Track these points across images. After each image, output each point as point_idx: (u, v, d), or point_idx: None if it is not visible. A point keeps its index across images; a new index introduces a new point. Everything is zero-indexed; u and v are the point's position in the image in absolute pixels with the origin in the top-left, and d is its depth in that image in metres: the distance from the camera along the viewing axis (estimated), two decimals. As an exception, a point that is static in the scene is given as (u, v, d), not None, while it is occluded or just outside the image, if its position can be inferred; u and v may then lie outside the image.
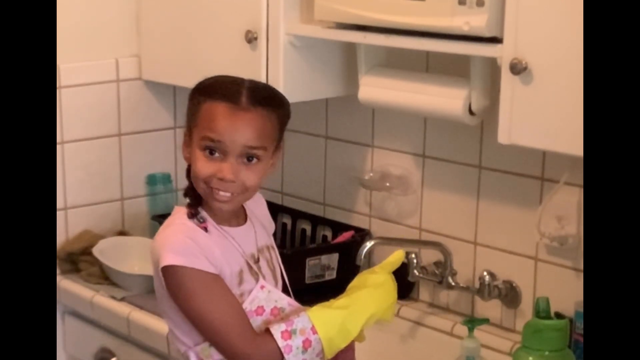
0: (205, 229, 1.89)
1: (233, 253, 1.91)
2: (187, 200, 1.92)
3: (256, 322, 1.90)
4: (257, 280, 1.92)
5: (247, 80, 1.92)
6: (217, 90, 1.89)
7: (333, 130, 2.80)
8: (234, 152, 1.85)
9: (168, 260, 1.83)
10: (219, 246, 1.88)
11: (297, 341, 1.85)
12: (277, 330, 1.85)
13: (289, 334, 1.85)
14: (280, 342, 1.84)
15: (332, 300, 1.93)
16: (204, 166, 1.86)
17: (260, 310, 1.91)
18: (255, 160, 1.87)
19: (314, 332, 1.86)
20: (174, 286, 1.84)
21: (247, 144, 1.85)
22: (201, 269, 1.83)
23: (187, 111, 1.93)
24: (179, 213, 1.92)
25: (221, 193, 1.86)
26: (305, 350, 1.85)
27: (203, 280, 1.83)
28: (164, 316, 1.97)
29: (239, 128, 1.85)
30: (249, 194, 1.91)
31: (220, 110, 1.86)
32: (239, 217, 1.97)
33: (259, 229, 2.00)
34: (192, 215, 1.90)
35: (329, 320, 1.88)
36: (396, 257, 2.03)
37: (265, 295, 1.92)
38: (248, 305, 1.90)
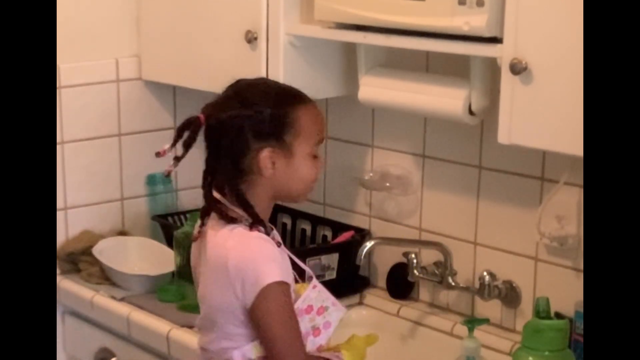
0: (278, 244, 1.92)
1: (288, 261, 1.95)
2: (247, 219, 1.89)
3: (303, 320, 1.93)
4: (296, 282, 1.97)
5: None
6: (297, 95, 1.94)
7: (333, 130, 2.80)
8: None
9: (274, 276, 1.84)
10: (284, 258, 1.93)
11: None
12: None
13: None
14: None
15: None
16: (314, 168, 1.93)
17: (309, 309, 1.95)
18: None
19: None
20: (272, 301, 1.84)
21: None
22: (292, 287, 1.90)
23: (270, 124, 1.88)
24: (244, 228, 1.89)
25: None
26: None
27: (290, 301, 1.88)
28: (212, 325, 1.95)
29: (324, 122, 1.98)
30: None
31: (317, 112, 1.94)
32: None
33: None
34: (265, 232, 1.91)
35: None
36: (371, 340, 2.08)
37: (316, 295, 1.97)
38: (300, 304, 1.94)
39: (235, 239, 1.87)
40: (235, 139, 1.88)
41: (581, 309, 2.22)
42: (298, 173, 1.91)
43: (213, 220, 1.94)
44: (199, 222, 1.99)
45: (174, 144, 1.88)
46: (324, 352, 1.96)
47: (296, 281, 1.97)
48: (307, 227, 2.83)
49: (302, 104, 1.93)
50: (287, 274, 1.89)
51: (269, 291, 1.84)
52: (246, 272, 1.85)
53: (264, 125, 1.88)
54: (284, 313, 1.86)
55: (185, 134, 1.88)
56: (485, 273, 2.41)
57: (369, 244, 2.41)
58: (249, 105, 1.89)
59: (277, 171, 1.90)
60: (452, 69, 2.36)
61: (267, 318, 1.85)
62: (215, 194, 1.94)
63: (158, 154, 1.88)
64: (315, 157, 1.93)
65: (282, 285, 1.86)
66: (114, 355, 2.68)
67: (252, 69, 2.48)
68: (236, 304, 1.87)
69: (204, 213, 1.95)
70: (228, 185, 1.91)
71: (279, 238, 1.95)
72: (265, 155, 1.89)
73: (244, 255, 1.86)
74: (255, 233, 1.88)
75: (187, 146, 1.88)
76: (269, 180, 1.91)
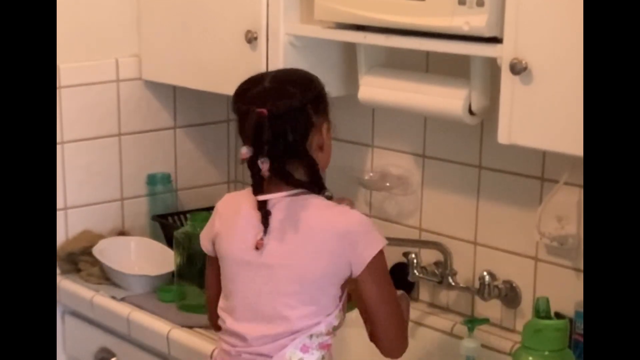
0: None
1: None
2: (330, 194, 2.04)
3: None
4: None
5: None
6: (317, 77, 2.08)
7: (333, 130, 2.79)
8: None
9: (382, 240, 1.98)
10: None
11: None
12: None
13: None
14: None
15: None
16: None
17: None
18: None
19: None
20: (383, 266, 1.99)
21: None
22: None
23: (321, 104, 2.04)
24: (332, 202, 2.03)
25: None
26: None
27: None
28: (300, 303, 1.98)
29: None
30: None
31: None
32: None
33: None
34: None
35: None
36: None
37: None
38: None
39: (336, 209, 1.99)
40: (302, 119, 1.99)
41: (581, 309, 2.22)
42: (331, 146, 2.09)
43: (279, 201, 1.99)
44: (226, 210, 2.06)
45: (254, 145, 1.96)
46: None
47: None
48: (307, 227, 2.83)
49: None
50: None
51: (380, 256, 1.96)
52: (358, 238, 1.95)
53: (321, 103, 2.04)
54: (388, 276, 2.02)
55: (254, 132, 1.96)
56: (485, 273, 2.41)
57: (369, 244, 2.41)
58: (303, 88, 2.01)
59: (327, 145, 2.07)
60: (452, 69, 2.36)
61: (382, 280, 1.99)
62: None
63: (243, 161, 1.98)
64: None
65: (382, 252, 1.98)
66: (114, 355, 2.68)
67: (252, 69, 2.47)
68: (342, 271, 1.96)
69: (266, 218, 1.99)
70: (304, 161, 2.00)
71: None
72: (325, 129, 2.05)
73: (356, 221, 1.97)
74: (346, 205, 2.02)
75: (267, 141, 1.95)
76: (322, 155, 2.06)
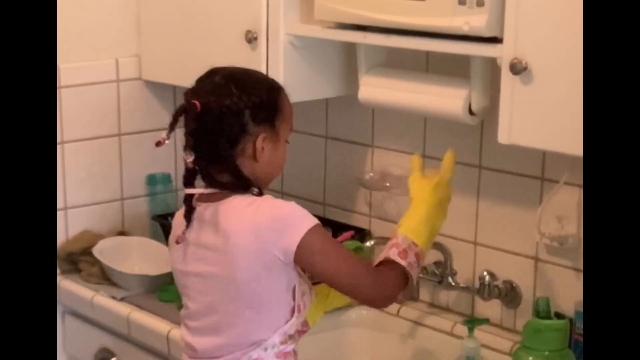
0: None
1: None
2: (255, 191, 1.95)
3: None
4: None
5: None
6: (273, 82, 2.01)
7: (333, 130, 2.80)
8: None
9: (308, 223, 1.89)
10: None
11: (411, 257, 2.02)
12: (395, 256, 2.00)
13: (404, 253, 2.01)
14: (403, 263, 2.00)
15: (411, 214, 2.09)
16: (285, 154, 2.00)
17: None
18: None
19: (416, 245, 2.03)
20: (317, 247, 1.90)
21: None
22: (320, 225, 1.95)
23: (263, 112, 1.94)
24: (252, 197, 1.94)
25: None
26: (418, 263, 2.03)
27: (330, 237, 2.01)
28: (239, 309, 1.93)
29: None
30: None
31: (289, 101, 2.02)
32: None
33: None
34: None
35: (420, 231, 2.06)
36: (448, 160, 2.16)
37: None
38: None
39: (252, 205, 1.90)
40: (236, 123, 1.92)
41: (581, 309, 2.22)
42: (278, 158, 1.98)
43: (205, 208, 1.95)
44: (176, 222, 2.01)
45: (170, 131, 1.92)
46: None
47: None
48: (307, 227, 2.83)
49: (283, 91, 2.01)
50: (314, 218, 1.93)
51: (309, 237, 1.89)
52: (276, 228, 1.88)
53: (262, 110, 1.94)
54: (331, 247, 1.94)
55: (180, 120, 1.93)
56: (485, 273, 2.41)
57: (369, 244, 2.41)
58: (247, 91, 1.93)
59: (265, 155, 1.95)
60: (452, 69, 2.36)
61: (327, 263, 1.92)
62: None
63: (158, 143, 1.92)
64: (287, 143, 2.01)
65: (316, 227, 1.91)
66: (114, 355, 2.68)
67: (252, 68, 2.48)
68: (273, 269, 1.90)
69: (189, 213, 1.95)
70: (227, 167, 1.93)
71: None
72: (261, 139, 1.94)
73: (273, 214, 1.89)
74: (267, 196, 1.95)
75: (192, 134, 1.92)
76: (257, 164, 1.95)
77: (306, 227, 1.89)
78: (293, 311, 1.93)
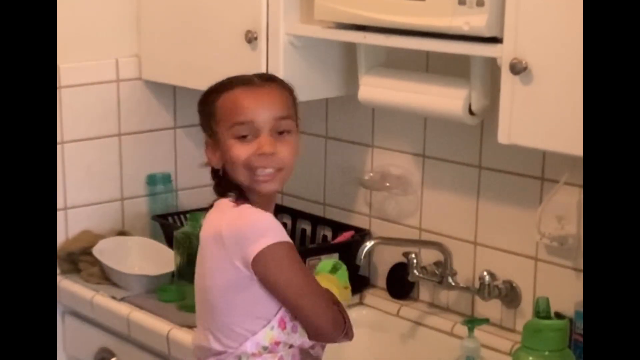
0: None
1: None
2: (232, 195, 1.92)
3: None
4: None
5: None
6: (227, 83, 1.95)
7: (333, 130, 2.80)
8: (265, 127, 1.89)
9: (272, 238, 1.82)
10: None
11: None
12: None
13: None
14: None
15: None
16: (241, 150, 1.89)
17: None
18: (286, 133, 1.92)
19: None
20: (278, 263, 1.84)
21: (275, 116, 1.90)
22: (292, 244, 1.88)
23: (201, 120, 1.97)
24: (231, 203, 1.91)
25: (266, 171, 1.89)
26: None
27: (296, 255, 1.88)
28: (214, 316, 1.91)
29: (263, 102, 1.91)
30: (286, 172, 1.93)
31: (239, 94, 1.91)
32: (272, 208, 1.98)
33: None
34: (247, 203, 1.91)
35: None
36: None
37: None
38: None
39: (227, 213, 1.89)
40: (202, 121, 1.99)
41: (581, 309, 2.22)
42: (228, 158, 1.91)
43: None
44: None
45: None
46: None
47: None
48: (307, 227, 2.83)
49: (227, 90, 1.94)
50: (285, 236, 1.87)
51: (270, 250, 1.83)
52: (241, 240, 1.84)
53: (202, 120, 1.97)
54: (300, 270, 1.88)
55: None
56: (485, 273, 2.41)
57: (369, 244, 2.41)
58: (207, 93, 1.98)
59: (216, 161, 1.94)
60: (452, 69, 2.36)
61: (287, 281, 1.86)
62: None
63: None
64: (243, 137, 1.90)
65: (283, 244, 1.85)
66: (114, 355, 2.68)
67: (252, 69, 2.47)
68: (238, 279, 1.86)
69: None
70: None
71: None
72: (206, 148, 1.96)
73: (236, 223, 1.86)
74: (246, 206, 1.89)
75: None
76: (229, 165, 1.92)
77: (270, 240, 1.83)
78: (267, 321, 1.88)
